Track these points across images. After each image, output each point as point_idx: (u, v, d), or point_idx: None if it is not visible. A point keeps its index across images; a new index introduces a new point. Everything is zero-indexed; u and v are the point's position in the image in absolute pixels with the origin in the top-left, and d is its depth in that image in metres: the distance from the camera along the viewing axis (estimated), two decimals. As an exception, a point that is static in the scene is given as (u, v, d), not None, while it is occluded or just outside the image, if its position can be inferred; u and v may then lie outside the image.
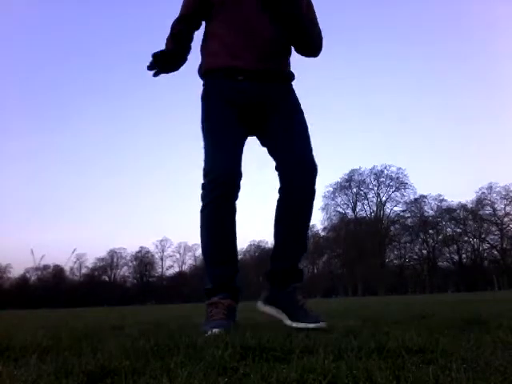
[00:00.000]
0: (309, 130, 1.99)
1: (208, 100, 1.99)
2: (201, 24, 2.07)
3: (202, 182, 1.90)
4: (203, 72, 2.02)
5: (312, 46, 2.09)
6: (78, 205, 70.04)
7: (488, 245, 46.52)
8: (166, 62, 1.94)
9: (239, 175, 1.89)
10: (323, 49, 2.15)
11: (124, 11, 70.63)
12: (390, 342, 1.19)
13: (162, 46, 2.00)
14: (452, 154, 63.44)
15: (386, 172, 48.52)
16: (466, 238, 47.46)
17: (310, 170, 1.92)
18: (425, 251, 48.97)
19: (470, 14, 60.42)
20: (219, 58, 1.94)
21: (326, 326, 1.73)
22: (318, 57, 2.16)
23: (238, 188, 1.89)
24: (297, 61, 2.39)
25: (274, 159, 1.96)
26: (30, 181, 70.70)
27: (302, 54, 2.11)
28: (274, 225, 1.97)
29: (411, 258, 49.91)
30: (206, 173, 1.88)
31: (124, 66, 71.93)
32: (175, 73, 2.06)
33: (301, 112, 2.03)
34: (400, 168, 47.74)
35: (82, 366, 0.99)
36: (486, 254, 47.27)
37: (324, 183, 48.89)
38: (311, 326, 1.70)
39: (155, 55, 1.90)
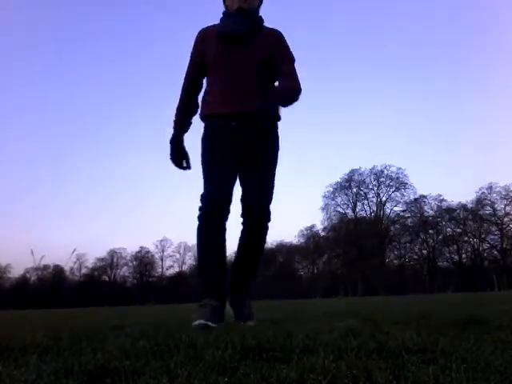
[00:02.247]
0: (274, 181, 2.42)
1: (206, 141, 2.42)
2: (201, 86, 2.53)
3: (200, 203, 2.31)
4: (202, 117, 2.47)
5: (287, 98, 2.40)
6: (78, 205, 70.10)
7: (488, 245, 46.52)
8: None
9: (228, 202, 2.31)
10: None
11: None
12: (390, 342, 1.19)
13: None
14: (452, 154, 63.46)
15: (386, 172, 48.53)
16: (465, 238, 47.44)
17: (262, 220, 2.40)
18: (425, 251, 48.95)
19: (470, 14, 60.46)
20: (212, 105, 2.40)
21: (253, 323, 2.25)
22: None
23: (226, 211, 2.31)
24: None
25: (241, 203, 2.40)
26: (30, 181, 70.76)
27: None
28: (235, 252, 2.48)
29: (411, 257, 49.90)
30: (201, 199, 2.31)
31: (124, 66, 72.04)
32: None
33: (273, 164, 2.44)
34: (400, 168, 47.74)
35: (82, 365, 0.99)
36: (486, 254, 47.24)
37: (324, 183, 48.97)
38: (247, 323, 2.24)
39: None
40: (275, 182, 2.44)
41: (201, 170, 2.39)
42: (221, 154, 2.34)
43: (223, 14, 2.49)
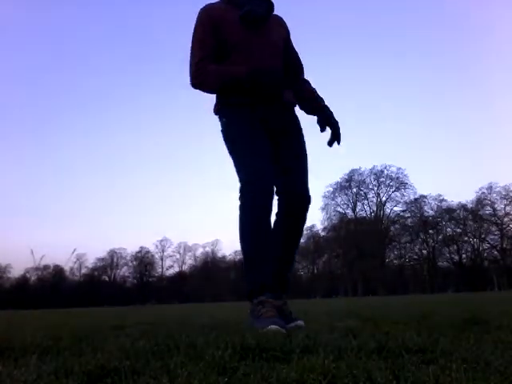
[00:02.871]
0: (307, 159, 2.27)
1: (233, 126, 2.20)
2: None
3: (241, 189, 2.06)
4: (220, 107, 2.24)
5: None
6: (78, 205, 70.09)
7: (488, 245, 46.51)
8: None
9: (274, 176, 2.09)
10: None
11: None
12: (390, 342, 1.19)
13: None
14: (452, 154, 63.48)
15: (386, 172, 48.55)
16: (466, 238, 47.43)
17: (305, 202, 2.20)
18: (425, 251, 48.95)
19: (469, 15, 60.46)
20: (233, 96, 2.18)
21: (302, 324, 2.04)
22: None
23: (273, 193, 2.08)
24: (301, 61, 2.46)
25: (276, 185, 2.12)
26: (30, 181, 70.74)
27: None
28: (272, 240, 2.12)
29: (411, 258, 49.89)
30: (246, 183, 2.05)
31: (124, 67, 72.01)
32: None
33: (304, 142, 2.30)
34: (400, 168, 47.76)
35: (82, 365, 0.99)
36: (486, 254, 47.24)
37: (324, 183, 48.96)
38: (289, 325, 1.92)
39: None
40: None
41: (230, 159, 2.16)
42: (254, 131, 2.13)
43: None
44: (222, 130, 2.24)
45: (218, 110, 2.27)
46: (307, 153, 2.29)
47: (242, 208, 2.04)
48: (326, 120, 2.31)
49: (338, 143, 2.32)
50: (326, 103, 2.37)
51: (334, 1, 66.78)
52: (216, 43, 2.19)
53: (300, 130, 2.33)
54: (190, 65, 2.20)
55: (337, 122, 2.32)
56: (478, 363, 0.93)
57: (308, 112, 2.39)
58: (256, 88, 2.14)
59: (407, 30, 64.82)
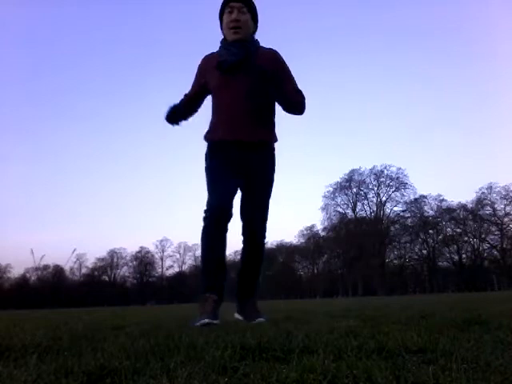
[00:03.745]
0: (269, 201, 2.64)
1: (209, 157, 2.61)
2: (202, 101, 2.76)
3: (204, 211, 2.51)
4: (205, 140, 2.66)
5: (297, 111, 2.66)
6: (78, 205, 70.06)
7: (488, 245, 46.48)
8: (178, 112, 2.69)
9: (229, 206, 2.48)
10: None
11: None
12: (390, 342, 1.19)
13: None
14: (452, 154, 63.46)
15: (386, 172, 48.51)
16: (465, 238, 47.40)
17: (261, 248, 2.67)
18: (425, 251, 48.91)
19: (470, 16, 60.41)
20: (214, 132, 2.61)
21: (264, 320, 2.40)
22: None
23: (229, 215, 2.47)
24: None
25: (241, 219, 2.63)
26: (31, 181, 70.71)
27: (290, 113, 2.67)
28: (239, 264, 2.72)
29: (411, 258, 49.85)
30: (206, 205, 2.49)
31: (123, 69, 71.98)
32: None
33: (270, 185, 2.65)
34: (400, 168, 47.73)
35: (81, 366, 0.99)
36: (486, 254, 47.20)
37: (324, 183, 48.97)
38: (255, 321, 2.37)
39: (173, 107, 2.67)
40: (270, 202, 2.66)
41: (205, 182, 2.58)
42: (223, 168, 2.53)
43: (221, 42, 2.66)
44: (204, 156, 2.66)
45: (205, 139, 2.68)
46: (270, 195, 2.65)
47: (203, 226, 2.49)
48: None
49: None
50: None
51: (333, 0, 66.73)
52: (198, 87, 2.69)
53: (267, 173, 2.63)
54: None
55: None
56: (477, 363, 0.93)
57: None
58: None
59: (408, 29, 64.81)
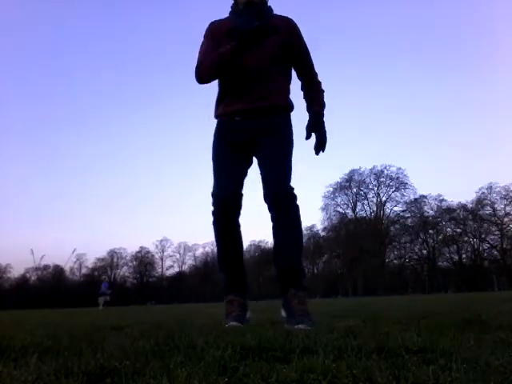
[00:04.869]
0: (291, 159, 2.35)
1: (214, 139, 2.44)
2: None
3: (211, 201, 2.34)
4: (215, 116, 2.48)
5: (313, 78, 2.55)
6: (78, 205, 70.09)
7: (488, 245, 46.50)
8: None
9: (238, 196, 2.33)
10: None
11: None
12: (389, 342, 1.19)
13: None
14: (452, 154, 63.45)
15: (386, 172, 48.57)
16: (465, 238, 47.42)
17: (287, 200, 2.26)
18: (425, 251, 48.94)
19: (471, 16, 60.43)
20: (221, 106, 2.42)
21: (309, 327, 1.92)
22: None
23: (237, 207, 2.33)
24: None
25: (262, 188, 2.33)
26: (30, 181, 70.72)
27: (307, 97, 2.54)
28: (273, 243, 2.33)
29: (411, 258, 49.87)
30: (212, 195, 2.33)
31: (125, 67, 72.01)
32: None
33: (287, 142, 2.38)
34: (400, 168, 47.78)
35: (81, 366, 0.99)
36: (486, 254, 47.22)
37: (324, 183, 48.98)
38: (297, 327, 1.93)
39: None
40: (292, 163, 2.35)
41: (211, 167, 2.41)
42: (228, 149, 2.37)
43: (232, 7, 2.45)
44: (213, 134, 2.47)
45: (215, 117, 2.48)
46: (289, 150, 2.36)
47: (212, 220, 2.35)
48: (311, 126, 2.42)
49: (323, 151, 2.44)
50: (319, 109, 2.47)
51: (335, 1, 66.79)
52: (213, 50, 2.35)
53: (282, 132, 2.38)
54: (195, 68, 2.38)
55: (324, 132, 2.43)
56: (477, 363, 0.93)
57: (308, 112, 2.50)
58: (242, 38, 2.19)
59: (410, 29, 64.84)
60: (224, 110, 2.40)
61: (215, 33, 2.40)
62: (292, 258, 2.24)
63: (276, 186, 2.25)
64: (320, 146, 2.42)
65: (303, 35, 2.46)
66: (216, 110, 2.47)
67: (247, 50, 2.22)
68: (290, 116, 2.46)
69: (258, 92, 2.34)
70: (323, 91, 2.55)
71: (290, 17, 2.46)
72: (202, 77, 2.34)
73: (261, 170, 2.34)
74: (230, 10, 2.46)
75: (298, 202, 2.28)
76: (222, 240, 2.36)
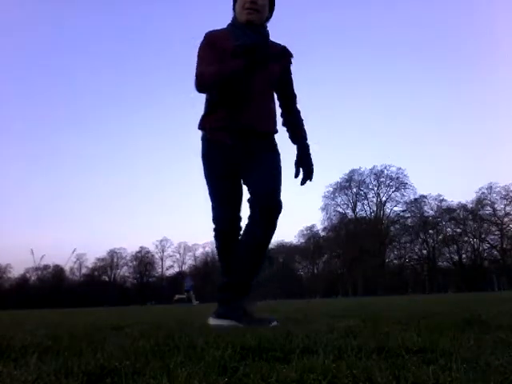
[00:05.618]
0: (280, 173, 2.38)
1: (206, 162, 2.43)
2: None
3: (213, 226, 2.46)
4: (200, 127, 2.44)
5: (298, 129, 2.60)
6: (78, 205, 70.07)
7: (488, 245, 46.48)
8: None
9: (237, 221, 2.42)
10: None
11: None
12: (389, 342, 1.19)
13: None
14: (452, 154, 63.46)
15: (386, 172, 48.52)
16: (465, 238, 47.40)
17: (275, 208, 2.28)
18: (425, 251, 48.92)
19: (470, 15, 60.47)
20: (212, 118, 2.39)
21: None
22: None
23: (237, 230, 2.41)
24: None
25: (249, 193, 2.36)
26: (30, 181, 70.75)
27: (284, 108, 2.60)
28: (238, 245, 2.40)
29: (411, 258, 49.86)
30: (212, 221, 2.44)
31: (123, 69, 72.05)
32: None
33: (278, 160, 2.43)
34: (400, 168, 47.73)
35: (81, 365, 0.99)
36: (485, 254, 47.21)
37: (324, 183, 48.98)
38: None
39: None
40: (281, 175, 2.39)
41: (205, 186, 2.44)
42: (222, 173, 2.38)
43: (232, 23, 2.43)
44: (201, 155, 2.45)
45: (200, 128, 2.45)
46: (280, 168, 2.41)
47: (214, 240, 2.49)
48: (301, 161, 2.50)
49: (310, 180, 2.52)
50: (306, 141, 2.55)
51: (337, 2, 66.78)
52: (216, 58, 2.33)
53: (271, 154, 2.42)
54: (195, 76, 2.34)
55: (310, 164, 2.51)
56: (477, 363, 0.93)
57: (292, 141, 2.59)
58: (247, 53, 2.27)
59: (410, 29, 64.86)
60: (215, 123, 2.37)
61: (216, 44, 2.35)
62: (255, 271, 2.39)
63: (270, 198, 2.28)
64: (307, 178, 2.50)
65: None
66: (204, 121, 2.42)
67: (255, 67, 2.29)
68: (275, 141, 2.50)
69: (256, 113, 2.35)
70: (303, 120, 2.62)
71: (285, 46, 2.50)
72: (204, 87, 2.34)
73: (251, 181, 2.36)
74: (228, 22, 2.46)
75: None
76: (227, 259, 2.43)
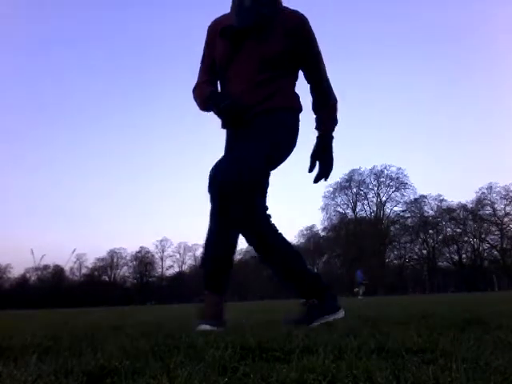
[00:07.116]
0: (261, 146, 2.00)
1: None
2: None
3: None
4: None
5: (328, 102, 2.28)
6: (78, 205, 70.06)
7: (488, 245, 46.49)
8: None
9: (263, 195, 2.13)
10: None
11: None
12: (389, 342, 1.19)
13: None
14: (452, 154, 63.47)
15: (386, 172, 48.53)
16: (466, 238, 47.41)
17: (215, 186, 1.91)
18: (425, 251, 48.93)
19: (470, 15, 60.47)
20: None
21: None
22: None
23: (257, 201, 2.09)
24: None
25: None
26: (30, 181, 70.73)
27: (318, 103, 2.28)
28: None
29: (411, 258, 49.85)
30: (242, 168, 2.12)
31: (123, 69, 72.04)
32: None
33: (259, 131, 2.06)
34: (400, 168, 47.74)
35: (81, 365, 0.99)
36: (485, 254, 47.21)
37: (324, 183, 48.93)
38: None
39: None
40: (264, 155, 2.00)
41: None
42: (228, 144, 2.24)
43: (232, 0, 2.17)
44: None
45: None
46: (259, 141, 2.03)
47: None
48: (317, 153, 2.20)
49: (325, 179, 2.23)
50: (329, 127, 2.23)
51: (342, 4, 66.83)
52: (209, 60, 2.22)
53: (260, 127, 2.07)
54: (193, 89, 2.27)
55: (330, 159, 2.20)
56: (477, 363, 0.93)
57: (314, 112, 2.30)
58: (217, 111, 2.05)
59: (408, 31, 64.86)
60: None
61: (211, 35, 2.21)
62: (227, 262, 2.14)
63: (218, 172, 1.91)
64: (322, 176, 2.21)
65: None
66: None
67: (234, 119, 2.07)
68: (288, 116, 2.15)
69: (255, 98, 2.08)
70: (335, 109, 2.28)
71: (299, 12, 2.14)
72: (199, 107, 2.23)
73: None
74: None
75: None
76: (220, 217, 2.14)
